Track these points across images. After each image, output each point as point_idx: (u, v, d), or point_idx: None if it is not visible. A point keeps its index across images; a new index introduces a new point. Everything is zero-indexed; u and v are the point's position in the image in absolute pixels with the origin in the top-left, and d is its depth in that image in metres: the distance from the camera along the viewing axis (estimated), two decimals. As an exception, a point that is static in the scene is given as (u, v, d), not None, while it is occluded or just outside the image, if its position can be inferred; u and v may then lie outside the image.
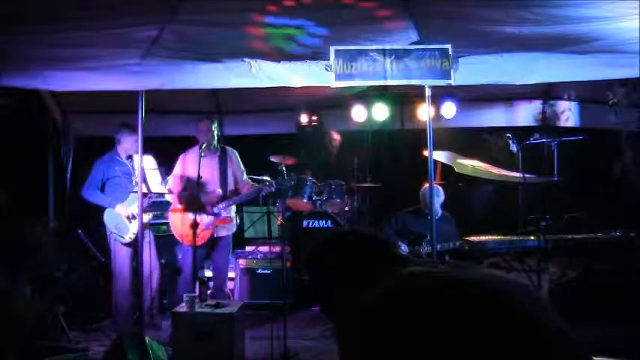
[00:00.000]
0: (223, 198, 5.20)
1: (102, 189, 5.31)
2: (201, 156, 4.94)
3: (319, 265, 1.53)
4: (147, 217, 5.22)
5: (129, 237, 5.20)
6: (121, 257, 5.23)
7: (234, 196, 5.27)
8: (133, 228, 5.20)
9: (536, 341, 1.10)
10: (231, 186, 5.30)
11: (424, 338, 1.11)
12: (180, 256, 5.58)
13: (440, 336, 1.10)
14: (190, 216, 5.06)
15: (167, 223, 5.57)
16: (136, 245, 5.17)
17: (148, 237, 5.27)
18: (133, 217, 5.19)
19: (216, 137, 5.19)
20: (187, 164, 5.25)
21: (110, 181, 5.29)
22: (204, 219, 5.09)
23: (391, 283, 1.26)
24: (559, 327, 1.15)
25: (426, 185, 5.39)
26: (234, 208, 5.35)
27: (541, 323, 1.14)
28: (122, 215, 5.19)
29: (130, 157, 5.34)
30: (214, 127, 5.17)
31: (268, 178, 5.21)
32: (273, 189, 5.25)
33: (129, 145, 5.30)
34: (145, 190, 4.78)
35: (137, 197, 5.11)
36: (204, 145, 5.04)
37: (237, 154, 5.43)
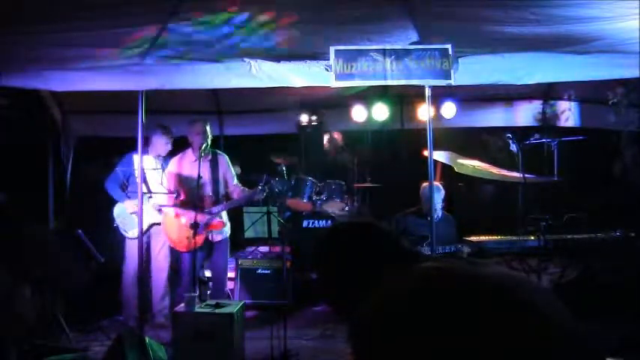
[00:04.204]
0: (215, 202, 5.19)
1: (126, 184, 5.40)
2: (200, 157, 4.92)
3: (327, 264, 1.50)
4: (157, 218, 5.27)
5: (133, 233, 5.25)
6: (131, 250, 5.28)
7: (226, 201, 5.26)
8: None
9: (547, 339, 1.10)
10: (221, 190, 5.27)
11: (436, 337, 1.10)
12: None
13: (452, 335, 1.09)
14: (183, 220, 5.06)
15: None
16: (148, 243, 5.30)
17: (148, 236, 5.27)
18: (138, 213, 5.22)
19: (209, 139, 5.17)
20: (182, 167, 5.23)
21: (133, 177, 5.35)
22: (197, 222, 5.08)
23: (402, 282, 1.25)
24: (571, 326, 1.15)
25: (425, 184, 5.41)
26: (225, 211, 5.32)
27: (551, 321, 1.14)
28: (128, 210, 5.23)
29: (159, 157, 5.41)
30: (208, 128, 5.14)
31: (260, 187, 5.12)
32: (263, 196, 5.22)
33: (160, 145, 5.34)
34: (145, 190, 4.79)
35: (154, 197, 5.19)
36: (204, 146, 5.03)
37: (227, 158, 5.38)
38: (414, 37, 4.33)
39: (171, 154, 5.40)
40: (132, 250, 5.28)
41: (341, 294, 1.48)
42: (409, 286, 1.22)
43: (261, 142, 7.07)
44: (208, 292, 5.04)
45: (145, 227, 5.22)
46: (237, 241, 6.15)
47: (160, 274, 5.33)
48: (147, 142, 5.36)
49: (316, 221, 6.15)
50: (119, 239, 5.40)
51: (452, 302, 1.14)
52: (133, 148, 5.34)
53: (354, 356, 1.22)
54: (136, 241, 5.25)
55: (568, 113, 6.58)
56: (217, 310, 4.24)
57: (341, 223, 1.60)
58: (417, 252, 1.46)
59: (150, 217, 5.24)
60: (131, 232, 5.28)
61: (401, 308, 1.18)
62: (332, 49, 4.26)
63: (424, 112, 5.44)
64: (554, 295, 1.25)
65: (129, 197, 5.32)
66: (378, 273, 1.37)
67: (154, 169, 5.18)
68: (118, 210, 5.36)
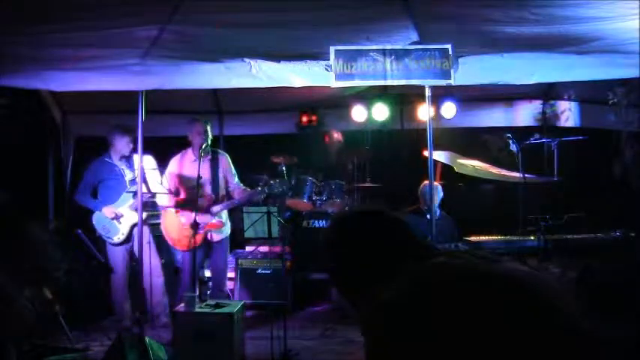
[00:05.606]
0: (214, 202, 5.19)
1: (95, 192, 5.33)
2: (201, 156, 4.92)
3: (341, 251, 1.44)
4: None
5: (117, 238, 5.21)
6: (115, 257, 5.24)
7: (227, 201, 5.25)
8: (123, 228, 5.20)
9: (557, 335, 1.10)
10: (222, 190, 5.26)
11: (449, 334, 1.10)
12: (179, 257, 5.57)
13: (464, 331, 1.09)
14: (183, 219, 5.06)
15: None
16: (133, 245, 5.22)
17: (148, 237, 5.26)
18: (118, 216, 5.19)
19: (210, 139, 5.16)
20: (183, 167, 5.23)
21: (102, 183, 5.30)
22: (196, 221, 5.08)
23: (416, 276, 1.23)
24: (580, 322, 1.15)
25: (425, 182, 5.41)
26: (225, 211, 5.30)
27: (563, 317, 1.13)
28: (109, 217, 5.19)
29: (124, 158, 5.34)
30: (209, 128, 5.14)
31: (259, 188, 5.13)
32: (264, 197, 5.22)
33: (122, 146, 5.30)
34: (144, 190, 4.78)
35: (128, 198, 5.17)
36: (204, 145, 5.02)
37: (228, 157, 5.36)
38: (414, 37, 4.33)
39: (171, 154, 5.39)
40: (116, 255, 5.25)
41: (352, 283, 1.43)
42: (420, 283, 1.21)
43: (261, 142, 7.07)
44: (208, 292, 5.04)
45: (127, 229, 5.21)
46: (237, 241, 6.15)
47: (154, 272, 5.28)
48: (108, 145, 5.34)
49: (316, 221, 6.16)
50: (101, 246, 5.30)
51: (465, 301, 1.13)
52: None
53: (366, 351, 1.21)
54: (120, 247, 5.24)
55: (568, 113, 6.58)
56: (217, 310, 4.24)
57: (352, 211, 1.56)
58: (429, 245, 1.42)
59: (131, 218, 5.19)
60: (115, 238, 5.22)
61: (402, 307, 1.17)
62: (332, 49, 4.26)
63: (424, 112, 5.45)
64: (565, 290, 1.24)
65: (104, 204, 5.28)
66: (389, 264, 1.34)
67: (153, 169, 5.16)
68: (96, 219, 5.26)
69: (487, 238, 5.11)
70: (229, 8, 4.04)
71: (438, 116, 6.14)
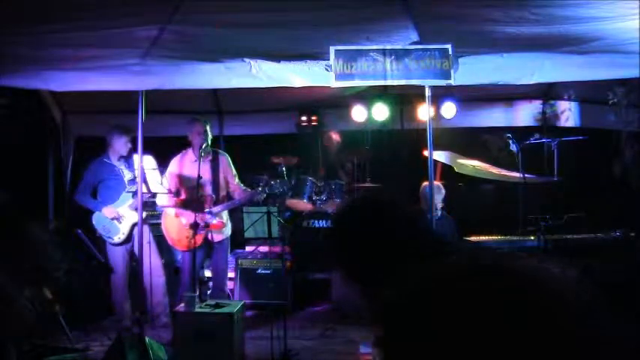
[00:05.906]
0: (215, 202, 5.18)
1: (95, 192, 5.33)
2: (201, 156, 4.92)
3: (342, 251, 1.43)
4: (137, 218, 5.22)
5: (118, 238, 5.21)
6: (115, 257, 5.24)
7: (227, 201, 5.25)
8: (123, 228, 5.20)
9: (558, 336, 1.09)
10: (222, 190, 5.25)
11: (449, 334, 1.09)
12: (179, 257, 5.58)
13: (465, 331, 1.08)
14: (183, 220, 5.06)
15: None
16: (133, 245, 5.22)
17: (148, 237, 5.26)
18: (119, 217, 5.19)
19: (209, 139, 5.16)
20: (183, 167, 5.23)
21: (102, 183, 5.30)
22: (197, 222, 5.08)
23: (417, 276, 1.22)
24: (581, 322, 1.14)
25: (425, 183, 5.41)
26: (226, 211, 5.30)
27: (564, 317, 1.13)
28: (109, 217, 5.19)
29: (122, 158, 5.33)
30: (208, 128, 5.14)
31: (260, 188, 5.16)
32: (264, 197, 5.23)
33: (120, 146, 5.29)
34: (144, 190, 4.78)
35: (128, 198, 5.17)
36: (204, 146, 5.02)
37: (228, 157, 5.36)
38: (414, 37, 4.33)
39: (171, 154, 5.38)
40: (117, 255, 5.25)
41: (358, 283, 1.41)
42: (421, 283, 1.20)
43: (261, 142, 7.07)
44: (208, 292, 5.04)
45: (127, 229, 5.21)
46: (238, 241, 6.16)
47: (154, 272, 5.28)
48: (106, 145, 5.33)
49: (316, 221, 6.16)
50: (101, 246, 5.30)
51: (465, 301, 1.11)
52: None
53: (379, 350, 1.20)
54: (120, 247, 5.24)
55: (568, 113, 6.58)
56: (217, 310, 4.24)
57: (357, 200, 1.53)
58: (436, 242, 1.40)
59: (131, 218, 5.19)
60: (116, 237, 5.22)
61: (412, 306, 1.16)
62: (332, 49, 4.26)
63: (424, 112, 5.44)
64: (572, 290, 1.23)
65: (104, 204, 5.28)
66: (390, 263, 1.32)
67: (153, 169, 5.16)
68: (96, 219, 5.25)
69: (487, 238, 5.11)
70: (229, 8, 4.04)
71: (438, 116, 6.14)
